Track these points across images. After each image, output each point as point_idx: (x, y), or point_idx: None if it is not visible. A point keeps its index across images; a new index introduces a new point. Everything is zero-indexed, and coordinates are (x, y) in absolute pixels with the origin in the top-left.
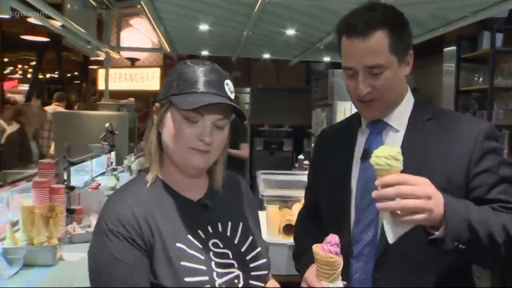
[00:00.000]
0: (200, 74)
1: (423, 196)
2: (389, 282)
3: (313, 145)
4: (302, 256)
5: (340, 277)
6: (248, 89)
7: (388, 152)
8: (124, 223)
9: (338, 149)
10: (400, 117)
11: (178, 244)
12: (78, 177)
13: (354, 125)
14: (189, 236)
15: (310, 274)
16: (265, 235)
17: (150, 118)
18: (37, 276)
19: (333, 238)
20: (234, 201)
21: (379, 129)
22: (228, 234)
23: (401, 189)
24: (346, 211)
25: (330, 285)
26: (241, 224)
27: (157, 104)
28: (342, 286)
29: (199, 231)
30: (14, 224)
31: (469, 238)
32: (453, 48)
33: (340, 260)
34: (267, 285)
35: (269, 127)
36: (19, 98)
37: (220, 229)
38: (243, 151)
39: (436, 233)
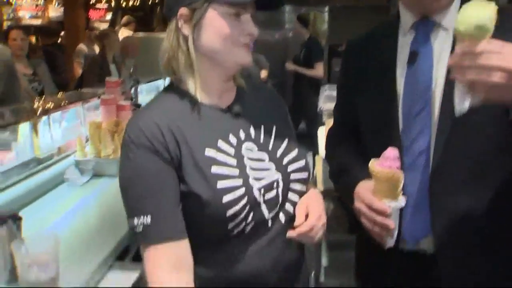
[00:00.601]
0: None
1: (509, 70)
2: (446, 193)
3: None
4: (345, 174)
5: (402, 193)
6: (326, 8)
7: (477, 15)
8: (146, 134)
9: (375, 56)
10: (451, 14)
11: (207, 151)
12: (151, 96)
13: (393, 29)
14: (220, 142)
15: (365, 192)
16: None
17: (172, 32)
18: (104, 185)
19: (392, 152)
20: (264, 106)
21: (428, 30)
22: (262, 138)
23: (484, 60)
24: (393, 119)
25: (393, 203)
26: (274, 127)
27: (184, 9)
28: (404, 203)
29: (230, 137)
30: (88, 138)
31: None
32: None
33: (402, 175)
34: (308, 193)
35: None
36: (102, 25)
37: (253, 134)
38: (318, 70)
39: None
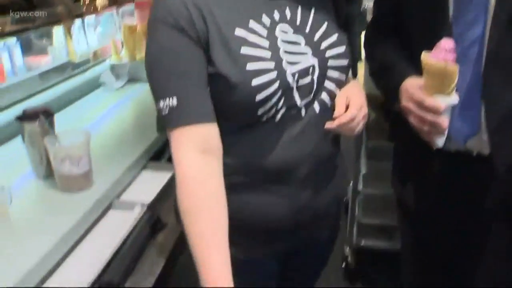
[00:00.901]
0: None
1: None
2: (502, 87)
3: None
4: (389, 71)
5: (455, 89)
6: None
7: None
8: (172, 11)
9: None
10: None
11: (237, 31)
12: None
13: None
14: (251, 22)
15: (414, 89)
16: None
17: None
18: (140, 90)
19: (448, 43)
20: None
21: None
22: (299, 20)
23: None
24: (442, 5)
25: (446, 99)
26: (313, 9)
27: None
28: (457, 100)
29: (264, 17)
30: (123, 43)
31: None
32: None
33: (457, 68)
34: (348, 84)
35: None
36: None
37: (289, 15)
38: None
39: None
